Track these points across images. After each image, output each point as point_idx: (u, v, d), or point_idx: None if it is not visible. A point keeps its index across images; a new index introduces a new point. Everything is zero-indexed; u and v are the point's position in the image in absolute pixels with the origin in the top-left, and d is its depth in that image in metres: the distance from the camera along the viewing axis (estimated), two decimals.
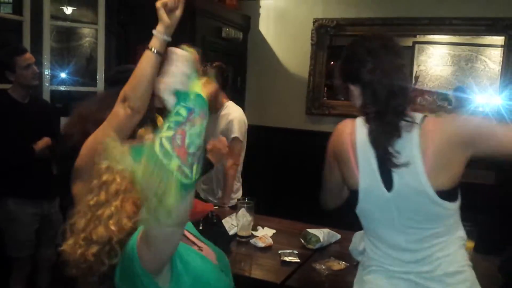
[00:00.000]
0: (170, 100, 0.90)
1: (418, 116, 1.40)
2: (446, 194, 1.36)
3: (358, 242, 1.99)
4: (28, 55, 2.81)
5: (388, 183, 1.41)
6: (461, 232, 1.45)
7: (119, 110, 1.47)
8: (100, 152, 1.03)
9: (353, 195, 1.49)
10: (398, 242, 1.44)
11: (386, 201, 1.41)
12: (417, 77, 4.73)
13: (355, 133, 1.46)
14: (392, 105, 1.37)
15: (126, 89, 1.47)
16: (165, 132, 0.86)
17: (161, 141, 0.85)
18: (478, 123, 1.40)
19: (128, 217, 1.08)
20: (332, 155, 1.54)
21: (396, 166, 1.36)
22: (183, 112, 0.87)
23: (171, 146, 0.84)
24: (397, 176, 1.39)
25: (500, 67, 3.98)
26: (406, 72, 1.49)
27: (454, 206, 1.40)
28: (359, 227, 1.60)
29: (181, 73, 0.92)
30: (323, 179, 1.61)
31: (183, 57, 0.94)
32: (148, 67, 1.47)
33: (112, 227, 1.06)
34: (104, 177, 1.11)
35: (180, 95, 0.89)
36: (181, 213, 0.90)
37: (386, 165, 1.39)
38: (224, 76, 3.07)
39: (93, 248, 1.06)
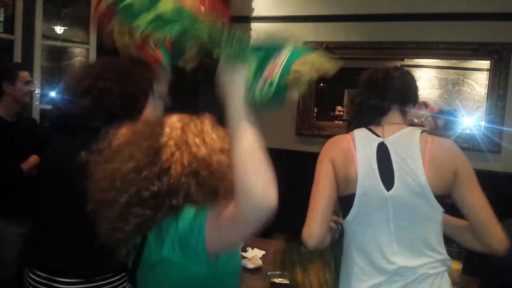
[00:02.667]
0: None
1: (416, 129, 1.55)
2: (439, 199, 1.45)
3: None
4: (28, 73, 2.91)
5: (388, 183, 1.46)
6: (444, 254, 1.50)
7: None
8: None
9: (346, 202, 1.51)
10: (390, 246, 1.46)
11: (384, 201, 1.45)
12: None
13: (355, 138, 1.53)
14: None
15: None
16: None
17: None
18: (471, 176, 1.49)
19: None
20: (329, 159, 1.54)
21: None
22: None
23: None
24: (398, 175, 1.45)
25: (486, 91, 4.05)
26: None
27: (442, 214, 1.48)
28: None
29: None
30: (311, 202, 1.54)
31: None
32: None
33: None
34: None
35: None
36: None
37: (387, 165, 1.46)
38: None
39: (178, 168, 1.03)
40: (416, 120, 4.29)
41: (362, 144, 1.51)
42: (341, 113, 4.95)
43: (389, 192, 1.45)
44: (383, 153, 1.49)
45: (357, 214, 1.50)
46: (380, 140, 1.52)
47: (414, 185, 1.44)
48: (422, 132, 1.52)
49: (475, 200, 1.46)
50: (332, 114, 4.98)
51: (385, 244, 1.47)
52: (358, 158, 1.49)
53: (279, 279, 2.08)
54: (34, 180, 2.82)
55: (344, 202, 1.53)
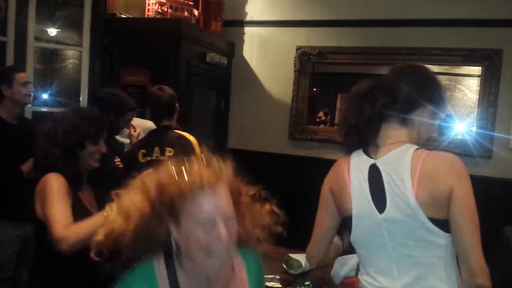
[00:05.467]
0: None
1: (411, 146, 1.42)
2: (439, 223, 1.34)
3: (340, 267, 1.99)
4: (26, 74, 2.91)
5: (380, 205, 1.39)
6: (455, 277, 1.38)
7: None
8: None
9: (347, 224, 1.49)
10: (391, 270, 1.40)
11: (377, 223, 1.39)
12: None
13: (350, 162, 1.48)
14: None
15: None
16: None
17: None
18: (467, 203, 1.33)
19: None
20: (328, 188, 1.54)
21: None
22: None
23: None
24: (389, 197, 1.37)
25: (478, 96, 4.09)
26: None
27: (447, 238, 1.35)
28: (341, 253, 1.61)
29: None
30: (315, 226, 1.61)
31: None
32: None
33: None
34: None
35: None
36: None
37: (379, 186, 1.39)
38: None
39: None
40: None
41: (355, 167, 1.46)
42: (323, 118, 4.99)
43: (381, 215, 1.39)
44: (374, 174, 1.43)
45: (356, 236, 1.47)
46: (372, 161, 1.44)
47: (405, 207, 1.35)
48: (417, 149, 1.40)
49: (463, 225, 1.32)
50: (318, 120, 4.99)
51: (385, 268, 1.42)
52: (351, 181, 1.45)
53: (271, 283, 2.08)
54: (32, 182, 2.81)
55: (346, 224, 1.51)
